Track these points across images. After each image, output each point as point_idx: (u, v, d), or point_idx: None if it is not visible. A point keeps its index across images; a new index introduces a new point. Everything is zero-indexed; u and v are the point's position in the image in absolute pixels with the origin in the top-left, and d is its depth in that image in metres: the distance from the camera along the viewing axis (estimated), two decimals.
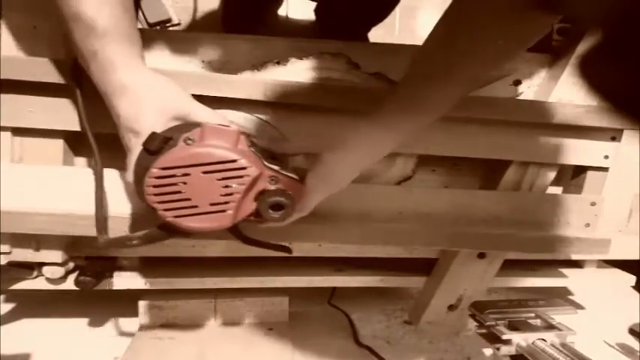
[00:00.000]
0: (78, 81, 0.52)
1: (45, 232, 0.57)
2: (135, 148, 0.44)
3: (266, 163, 0.43)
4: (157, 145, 0.42)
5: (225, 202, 0.41)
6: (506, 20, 0.37)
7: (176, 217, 0.41)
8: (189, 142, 0.41)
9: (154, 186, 0.40)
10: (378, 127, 0.46)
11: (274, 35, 0.64)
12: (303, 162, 0.58)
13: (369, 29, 1.00)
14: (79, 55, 0.46)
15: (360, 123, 0.46)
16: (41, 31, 0.56)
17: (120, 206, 0.57)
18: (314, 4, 0.97)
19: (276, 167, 0.44)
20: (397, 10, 0.91)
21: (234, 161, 0.40)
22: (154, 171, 0.40)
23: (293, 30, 1.14)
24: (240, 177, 0.41)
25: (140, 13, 1.01)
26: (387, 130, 0.46)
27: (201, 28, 1.07)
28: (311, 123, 0.59)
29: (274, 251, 0.54)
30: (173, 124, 0.44)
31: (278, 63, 0.63)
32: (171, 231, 0.44)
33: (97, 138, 0.53)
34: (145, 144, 0.42)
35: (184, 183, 0.40)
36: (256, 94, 0.57)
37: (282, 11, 1.13)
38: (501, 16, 0.37)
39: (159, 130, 0.43)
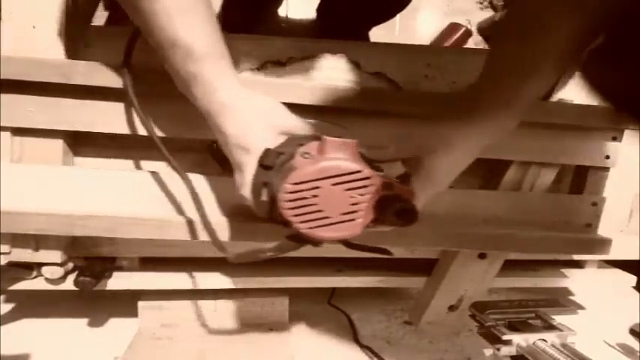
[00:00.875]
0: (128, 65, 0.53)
1: (45, 233, 0.57)
2: (247, 164, 0.45)
3: (378, 172, 0.45)
4: (271, 160, 0.44)
5: (354, 212, 0.43)
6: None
7: (311, 228, 0.42)
8: (307, 155, 0.43)
9: (289, 200, 0.41)
10: (478, 127, 0.47)
11: (274, 35, 0.64)
12: None
13: (369, 29, 1.00)
14: (177, 80, 0.47)
15: (459, 124, 0.47)
16: (41, 31, 0.56)
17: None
18: (314, 3, 0.97)
19: (386, 175, 0.45)
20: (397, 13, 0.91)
21: (359, 172, 0.42)
22: (287, 186, 0.41)
23: (293, 30, 1.14)
24: (366, 186, 0.42)
25: None
26: (487, 129, 0.47)
27: None
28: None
29: (376, 254, 0.55)
30: (281, 139, 0.46)
31: (278, 62, 0.62)
32: (301, 241, 0.46)
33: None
34: (261, 160, 0.44)
35: (315, 196, 0.42)
36: (308, 99, 0.58)
37: (282, 11, 1.13)
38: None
39: (268, 145, 0.45)
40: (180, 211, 0.59)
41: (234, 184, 0.47)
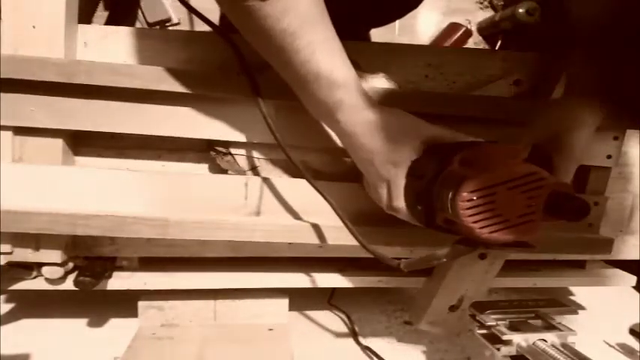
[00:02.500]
0: (259, 94, 0.54)
1: (46, 232, 0.57)
2: (396, 177, 0.47)
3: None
4: (421, 170, 0.45)
5: (532, 213, 0.43)
6: None
7: (491, 232, 0.43)
8: (466, 162, 0.44)
9: (468, 208, 0.42)
10: (596, 102, 0.51)
11: None
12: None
13: (369, 29, 0.99)
14: (318, 110, 0.49)
15: (584, 101, 0.51)
16: (41, 31, 0.56)
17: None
18: None
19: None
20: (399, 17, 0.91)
21: (534, 174, 0.43)
22: (465, 195, 0.42)
23: None
24: (540, 187, 0.43)
25: (140, 13, 1.01)
26: (601, 104, 0.51)
27: (200, 28, 1.07)
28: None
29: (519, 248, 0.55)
30: (423, 148, 0.47)
31: None
32: (473, 244, 0.48)
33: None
34: (412, 171, 0.46)
35: (492, 201, 0.42)
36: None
37: None
38: None
39: (415, 156, 0.47)
40: (181, 210, 0.59)
41: (378, 198, 0.51)
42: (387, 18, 0.93)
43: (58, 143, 0.59)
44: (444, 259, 0.49)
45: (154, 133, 0.59)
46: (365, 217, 0.61)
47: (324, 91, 0.46)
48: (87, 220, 0.56)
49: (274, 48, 0.45)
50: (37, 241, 0.60)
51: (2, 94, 0.55)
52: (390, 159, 0.47)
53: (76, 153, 0.62)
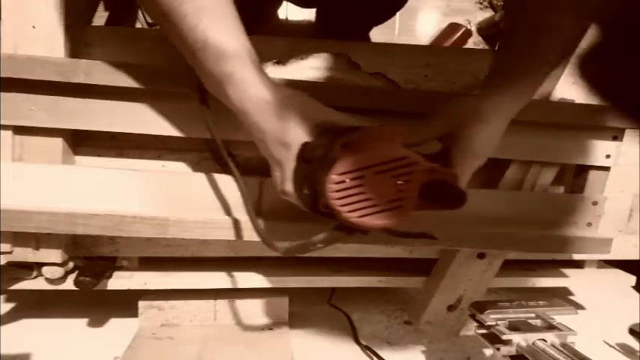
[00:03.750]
0: (206, 103, 0.53)
1: (46, 231, 0.57)
2: (287, 159, 0.45)
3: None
4: (311, 153, 0.44)
5: (401, 198, 0.43)
6: None
7: (360, 217, 0.43)
8: (347, 145, 0.43)
9: (336, 191, 0.42)
10: (509, 96, 0.50)
11: (274, 34, 0.64)
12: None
13: (369, 29, 1.00)
14: (211, 83, 0.47)
15: (490, 95, 0.50)
16: (41, 31, 0.56)
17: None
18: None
19: (425, 159, 0.45)
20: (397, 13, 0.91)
21: (404, 158, 0.42)
22: (334, 177, 0.41)
23: (293, 31, 1.14)
24: (411, 172, 0.42)
25: (140, 13, 1.01)
26: (516, 96, 0.50)
27: None
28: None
29: (421, 239, 0.57)
30: (317, 131, 0.46)
31: (278, 62, 0.62)
32: (349, 230, 0.46)
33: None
34: (301, 154, 0.44)
35: (361, 185, 0.42)
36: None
37: (282, 13, 1.13)
38: None
39: (307, 138, 0.45)
40: (181, 210, 0.59)
41: (273, 181, 0.48)
42: (384, 14, 0.93)
43: (58, 143, 0.59)
44: (321, 245, 0.47)
45: (153, 133, 0.59)
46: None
47: (212, 62, 0.44)
48: (87, 219, 0.57)
49: (162, 9, 0.42)
50: (37, 240, 0.60)
51: (2, 94, 0.55)
52: (281, 140, 0.45)
53: (76, 152, 0.62)
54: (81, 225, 0.57)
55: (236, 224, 0.60)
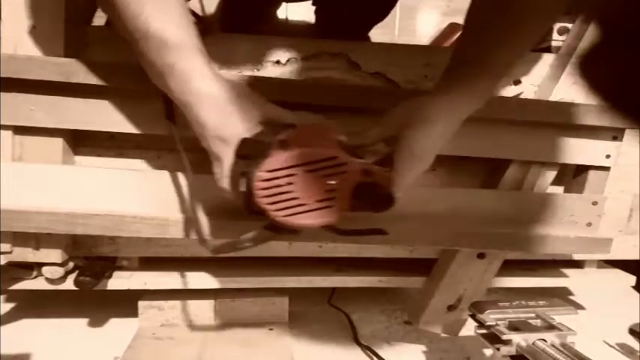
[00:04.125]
0: (172, 118, 0.53)
1: (46, 231, 0.57)
2: (225, 155, 0.44)
3: (357, 158, 0.45)
4: (249, 150, 0.43)
5: (330, 198, 0.43)
6: None
7: (286, 215, 0.42)
8: (284, 143, 0.43)
9: (263, 188, 0.41)
10: (452, 99, 0.47)
11: (274, 34, 0.64)
12: None
13: (369, 29, 1.00)
14: (153, 74, 0.46)
15: (433, 98, 0.48)
16: (41, 31, 0.56)
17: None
18: (314, 7, 0.97)
19: (366, 161, 0.45)
20: (397, 10, 0.91)
21: (334, 158, 0.42)
22: (261, 174, 0.41)
23: (293, 32, 1.14)
24: (342, 172, 0.42)
25: None
26: (465, 98, 0.48)
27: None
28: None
29: (371, 235, 0.55)
30: (259, 129, 0.45)
31: (278, 63, 0.63)
32: (278, 229, 0.46)
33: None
34: (238, 150, 0.44)
35: (290, 183, 0.42)
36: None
37: (282, 14, 1.13)
38: None
39: (246, 135, 0.44)
40: (179, 210, 0.59)
41: (215, 178, 0.47)
42: (381, 13, 0.93)
43: (58, 143, 0.59)
44: (249, 244, 0.47)
45: (153, 133, 0.59)
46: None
47: (154, 52, 0.43)
48: (86, 219, 0.57)
49: None
50: (37, 240, 0.60)
51: (2, 94, 0.55)
52: (220, 135, 0.44)
53: (77, 152, 0.62)
54: (81, 225, 0.57)
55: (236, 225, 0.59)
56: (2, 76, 0.53)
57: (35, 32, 0.56)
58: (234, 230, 0.53)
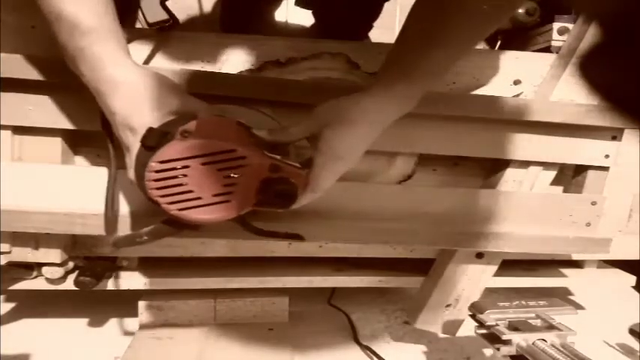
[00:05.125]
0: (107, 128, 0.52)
1: (45, 231, 0.57)
2: (133, 145, 0.43)
3: (266, 153, 0.43)
4: (154, 140, 0.41)
5: (228, 193, 0.41)
6: None
7: (180, 209, 0.41)
8: (186, 134, 0.41)
9: (155, 180, 0.40)
10: (376, 100, 0.46)
11: (273, 34, 0.64)
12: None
13: (369, 29, 0.99)
14: (67, 58, 0.45)
15: (357, 98, 0.47)
16: (40, 31, 0.56)
17: (129, 207, 0.57)
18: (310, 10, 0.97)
19: (276, 156, 0.44)
20: (397, 10, 0.91)
21: (233, 151, 0.40)
22: (154, 165, 0.40)
23: (292, 33, 1.14)
24: (241, 166, 0.41)
25: (140, 13, 1.01)
26: (391, 100, 0.47)
27: (200, 28, 1.07)
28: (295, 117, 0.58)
29: (286, 239, 0.55)
30: (169, 119, 0.44)
31: (277, 63, 0.62)
32: (177, 225, 0.44)
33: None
34: (143, 140, 0.42)
35: (185, 175, 0.40)
36: (255, 93, 0.57)
37: (281, 16, 1.13)
38: None
39: (156, 125, 0.43)
40: None
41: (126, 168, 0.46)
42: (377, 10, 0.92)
43: (58, 143, 0.59)
44: (147, 238, 0.45)
45: None
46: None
47: (65, 35, 0.42)
48: (85, 219, 0.56)
49: None
50: (36, 240, 0.60)
51: (2, 94, 0.55)
52: (129, 124, 0.43)
53: (76, 152, 0.62)
54: (79, 225, 0.57)
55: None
56: (2, 75, 0.53)
57: (35, 32, 0.56)
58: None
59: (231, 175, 0.41)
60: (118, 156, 0.51)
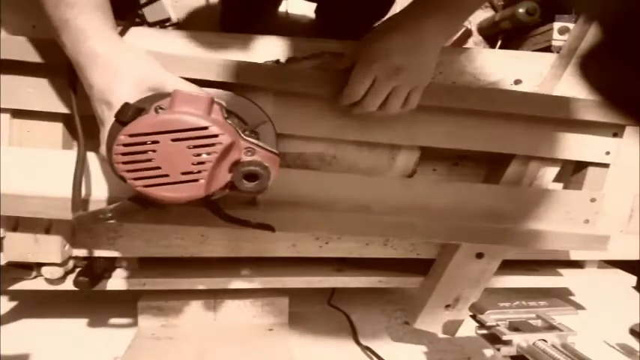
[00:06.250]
0: (73, 86, 0.51)
1: (39, 216, 0.57)
2: (108, 120, 0.43)
3: (242, 135, 0.42)
4: (129, 116, 0.41)
5: (198, 172, 0.40)
6: None
7: (146, 186, 0.40)
8: (160, 110, 0.41)
9: (123, 154, 0.39)
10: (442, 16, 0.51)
11: (273, 33, 0.64)
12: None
13: (370, 28, 0.99)
14: (51, 28, 0.45)
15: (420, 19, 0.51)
16: (40, 30, 0.55)
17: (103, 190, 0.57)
18: (314, 5, 0.97)
19: (252, 140, 0.43)
20: (397, 10, 0.91)
21: (204, 128, 0.39)
22: (122, 138, 0.39)
23: (293, 28, 1.13)
24: (212, 145, 0.39)
25: (140, 13, 1.00)
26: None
27: (200, 28, 1.07)
28: (305, 110, 0.59)
29: (256, 229, 0.54)
30: (147, 95, 0.43)
31: (278, 62, 0.62)
32: (143, 202, 0.43)
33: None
34: (118, 115, 0.41)
35: (154, 151, 0.39)
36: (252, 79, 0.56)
37: (281, 8, 1.13)
38: None
39: (133, 101, 0.42)
40: None
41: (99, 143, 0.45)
42: (381, 10, 0.93)
43: (59, 127, 0.58)
44: (111, 215, 0.44)
45: None
46: None
47: (51, 7, 0.42)
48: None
49: None
50: (36, 239, 0.60)
51: (2, 76, 0.54)
52: (105, 98, 0.43)
53: (76, 137, 0.61)
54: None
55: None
56: (2, 57, 0.52)
57: (35, 32, 0.56)
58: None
59: (202, 154, 0.40)
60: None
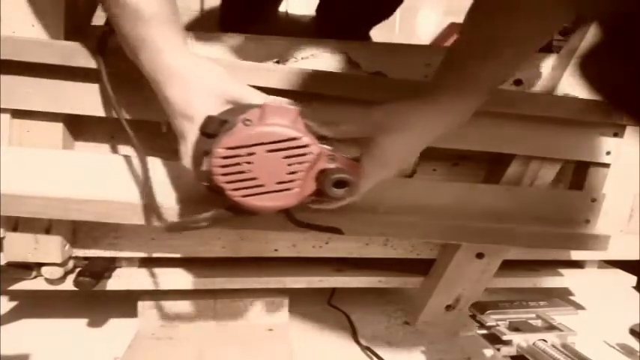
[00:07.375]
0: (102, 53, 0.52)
1: (39, 216, 0.57)
2: (189, 133, 0.44)
3: (320, 144, 0.44)
4: (214, 128, 0.42)
5: (291, 181, 0.42)
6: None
7: (244, 196, 0.41)
8: (248, 122, 0.42)
9: (222, 166, 0.41)
10: (435, 108, 0.46)
11: (274, 32, 0.64)
12: None
13: (369, 29, 0.99)
14: (127, 47, 0.46)
15: (417, 104, 0.47)
16: (41, 30, 0.55)
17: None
18: (314, 0, 0.97)
19: (329, 147, 0.44)
20: (397, 9, 0.91)
21: (296, 139, 0.41)
22: (220, 151, 0.40)
23: (293, 27, 1.14)
24: (304, 155, 0.41)
25: None
26: (445, 112, 0.47)
27: (200, 28, 1.07)
28: (342, 113, 0.59)
29: (326, 232, 0.56)
30: (226, 108, 0.44)
31: (278, 62, 0.62)
32: (237, 211, 0.45)
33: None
34: (202, 128, 0.43)
35: (249, 162, 0.41)
36: (286, 84, 0.57)
37: (281, 8, 1.13)
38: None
39: (213, 113, 0.43)
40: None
41: (179, 156, 0.46)
42: (384, 13, 0.93)
43: (59, 127, 0.58)
44: (205, 224, 0.46)
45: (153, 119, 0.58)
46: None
47: (129, 24, 0.43)
48: (81, 205, 0.56)
49: None
50: (36, 239, 0.60)
51: (1, 76, 0.54)
52: (185, 112, 0.44)
53: (77, 138, 0.62)
54: (75, 211, 0.56)
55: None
56: (2, 57, 0.52)
57: (35, 32, 0.56)
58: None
59: (294, 163, 0.41)
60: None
